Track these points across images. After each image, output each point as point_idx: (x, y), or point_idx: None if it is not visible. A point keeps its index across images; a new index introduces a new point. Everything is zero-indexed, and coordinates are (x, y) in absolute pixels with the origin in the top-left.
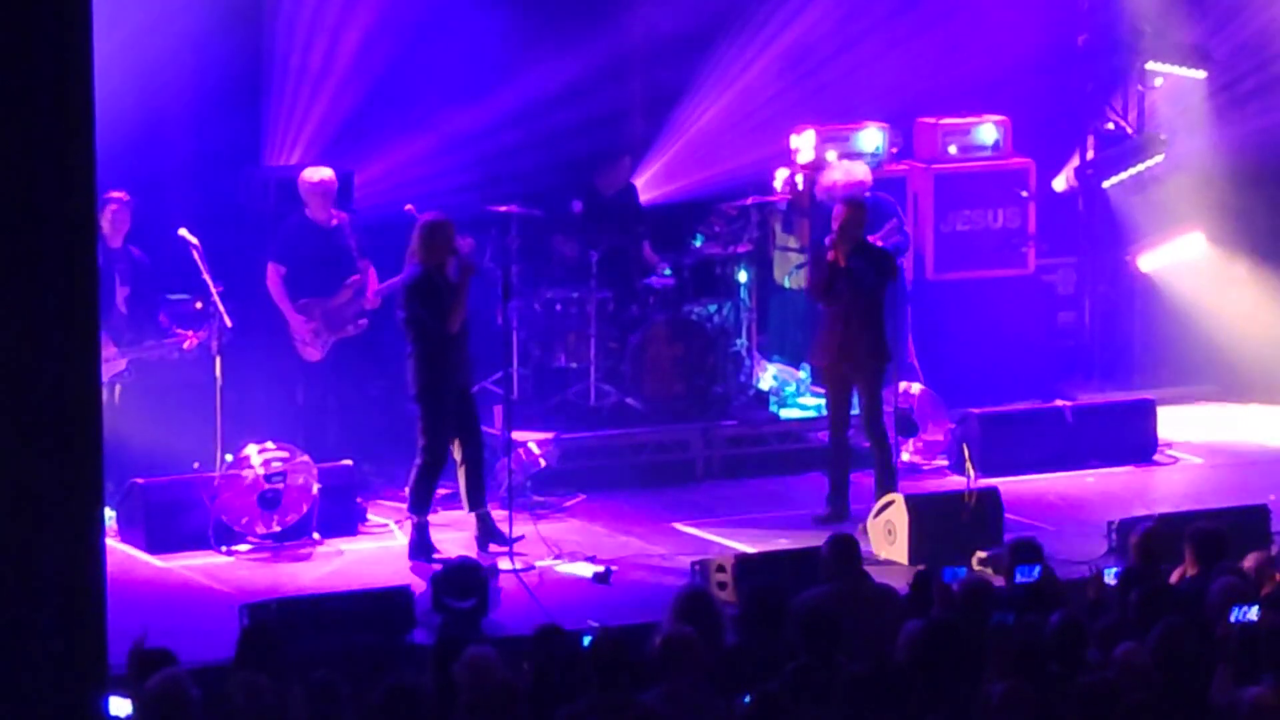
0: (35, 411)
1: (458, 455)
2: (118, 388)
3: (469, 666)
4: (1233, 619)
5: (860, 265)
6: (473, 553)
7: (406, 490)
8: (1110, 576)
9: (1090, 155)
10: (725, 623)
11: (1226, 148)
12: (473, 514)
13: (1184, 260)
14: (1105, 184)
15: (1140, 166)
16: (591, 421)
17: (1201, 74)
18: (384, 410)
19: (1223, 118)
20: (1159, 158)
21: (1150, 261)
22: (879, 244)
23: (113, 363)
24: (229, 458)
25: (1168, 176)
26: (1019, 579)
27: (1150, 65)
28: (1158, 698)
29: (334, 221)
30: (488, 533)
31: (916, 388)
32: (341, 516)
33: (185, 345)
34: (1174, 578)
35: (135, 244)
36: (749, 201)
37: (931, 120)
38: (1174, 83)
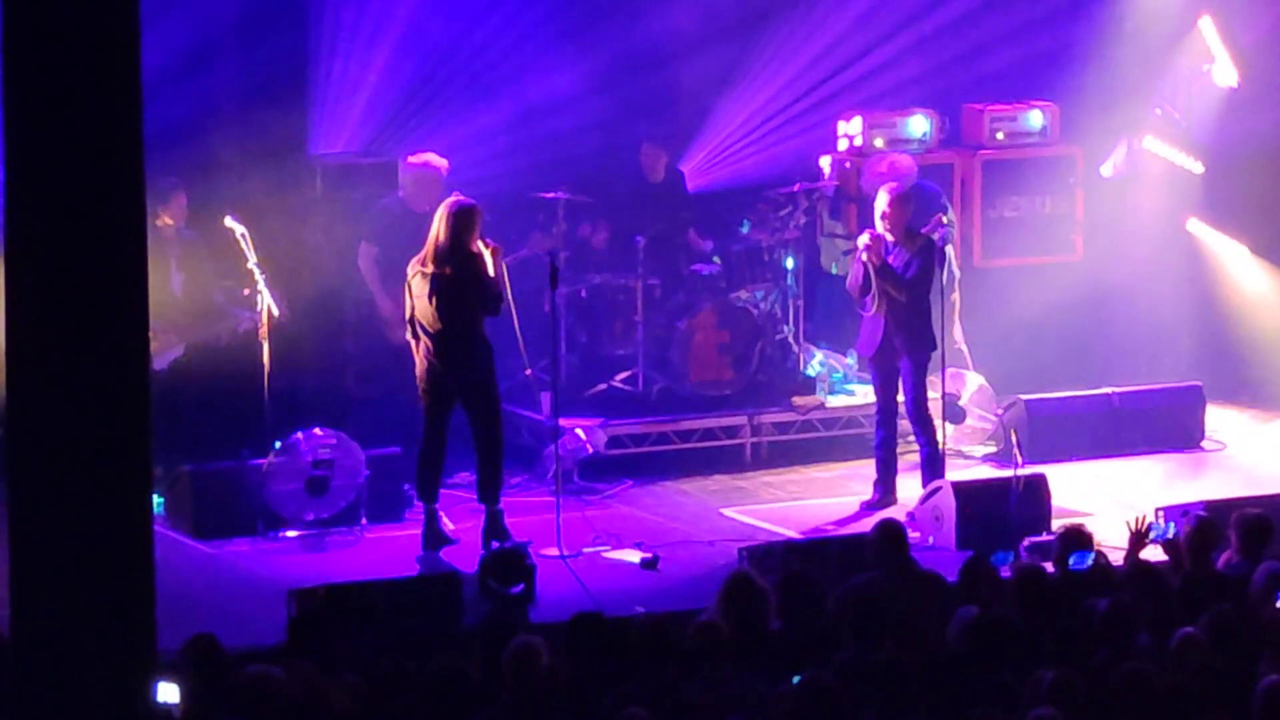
0: (85, 400)
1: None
2: (170, 372)
3: (515, 655)
4: None
5: (905, 254)
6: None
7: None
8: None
9: (1139, 140)
10: (771, 608)
11: (1260, 141)
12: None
13: (1226, 259)
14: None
15: (1181, 158)
16: (639, 408)
17: (1234, 78)
18: None
19: (1254, 111)
20: (1200, 168)
21: (1197, 228)
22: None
23: (172, 349)
24: (277, 445)
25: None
26: (1073, 566)
27: (1203, 23)
28: (1205, 683)
29: (426, 208)
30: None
31: (966, 375)
32: (389, 503)
33: (241, 328)
34: (1219, 563)
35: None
36: (796, 188)
37: (979, 106)
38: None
